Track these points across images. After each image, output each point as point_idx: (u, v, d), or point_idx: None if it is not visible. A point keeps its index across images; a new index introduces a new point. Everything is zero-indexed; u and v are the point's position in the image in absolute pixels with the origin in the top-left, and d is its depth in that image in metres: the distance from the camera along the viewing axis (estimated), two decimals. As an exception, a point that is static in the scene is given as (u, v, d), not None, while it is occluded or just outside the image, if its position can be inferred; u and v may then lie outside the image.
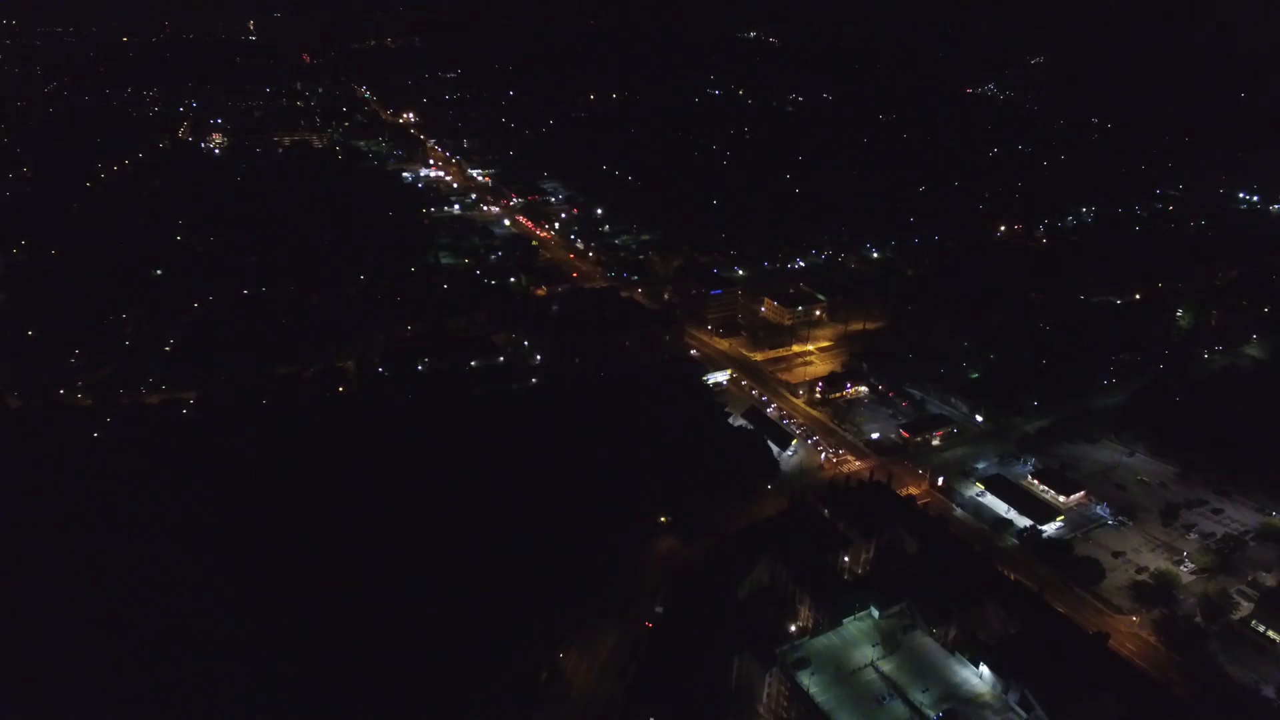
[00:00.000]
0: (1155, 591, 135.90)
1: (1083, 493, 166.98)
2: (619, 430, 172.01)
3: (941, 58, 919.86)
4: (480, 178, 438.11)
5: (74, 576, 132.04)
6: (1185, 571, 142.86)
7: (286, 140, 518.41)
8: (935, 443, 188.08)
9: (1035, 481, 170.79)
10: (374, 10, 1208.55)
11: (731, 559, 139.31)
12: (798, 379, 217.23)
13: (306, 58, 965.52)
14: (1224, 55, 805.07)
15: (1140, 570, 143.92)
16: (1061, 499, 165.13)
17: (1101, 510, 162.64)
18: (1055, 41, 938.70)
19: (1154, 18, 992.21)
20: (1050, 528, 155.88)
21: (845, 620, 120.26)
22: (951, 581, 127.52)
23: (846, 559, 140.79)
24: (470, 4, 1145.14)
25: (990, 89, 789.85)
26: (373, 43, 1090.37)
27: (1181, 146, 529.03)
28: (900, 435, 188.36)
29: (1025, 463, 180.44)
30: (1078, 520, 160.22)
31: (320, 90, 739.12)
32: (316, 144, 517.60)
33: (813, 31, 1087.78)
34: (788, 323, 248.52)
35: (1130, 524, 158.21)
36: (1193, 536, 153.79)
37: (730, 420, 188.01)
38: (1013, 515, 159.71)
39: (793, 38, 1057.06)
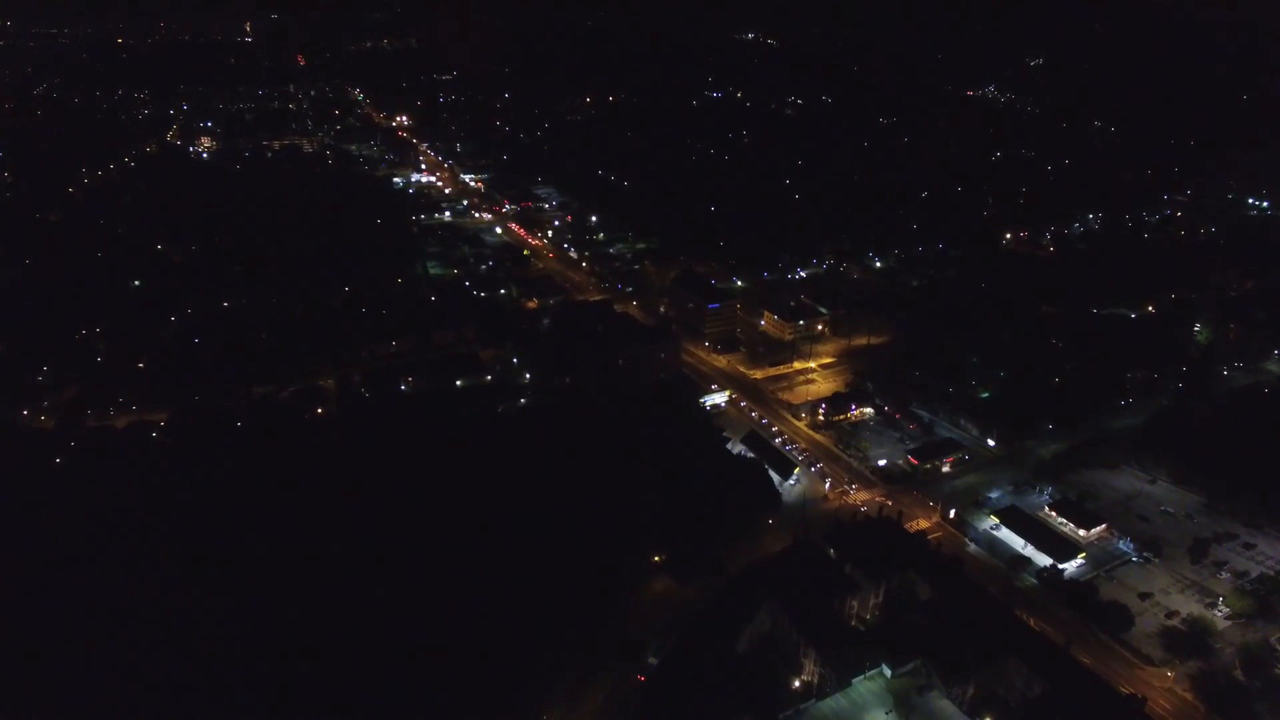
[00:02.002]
0: (1188, 640, 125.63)
1: (1104, 526, 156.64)
2: (611, 459, 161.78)
3: (940, 58, 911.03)
4: (473, 183, 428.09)
5: (27, 614, 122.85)
6: (1220, 617, 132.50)
7: (276, 144, 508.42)
8: (945, 469, 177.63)
9: (1053, 513, 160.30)
10: (372, 11, 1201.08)
11: (731, 605, 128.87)
12: (799, 399, 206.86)
13: (301, 59, 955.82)
14: (1224, 55, 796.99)
15: (1170, 615, 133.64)
16: (1081, 533, 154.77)
17: (1125, 545, 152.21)
18: (1053, 42, 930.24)
19: (1152, 17, 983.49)
20: (1071, 566, 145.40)
21: (854, 680, 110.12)
22: (969, 633, 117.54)
23: (854, 604, 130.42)
24: (467, 5, 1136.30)
25: (990, 91, 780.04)
26: (369, 44, 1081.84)
27: (1187, 150, 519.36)
28: (908, 461, 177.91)
29: (1041, 492, 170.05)
30: (1100, 557, 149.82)
31: (313, 93, 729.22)
32: (307, 148, 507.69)
33: (810, 33, 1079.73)
34: (788, 338, 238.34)
35: (1156, 561, 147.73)
36: (1224, 576, 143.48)
37: (729, 446, 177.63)
38: (1030, 551, 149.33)
39: (791, 39, 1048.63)
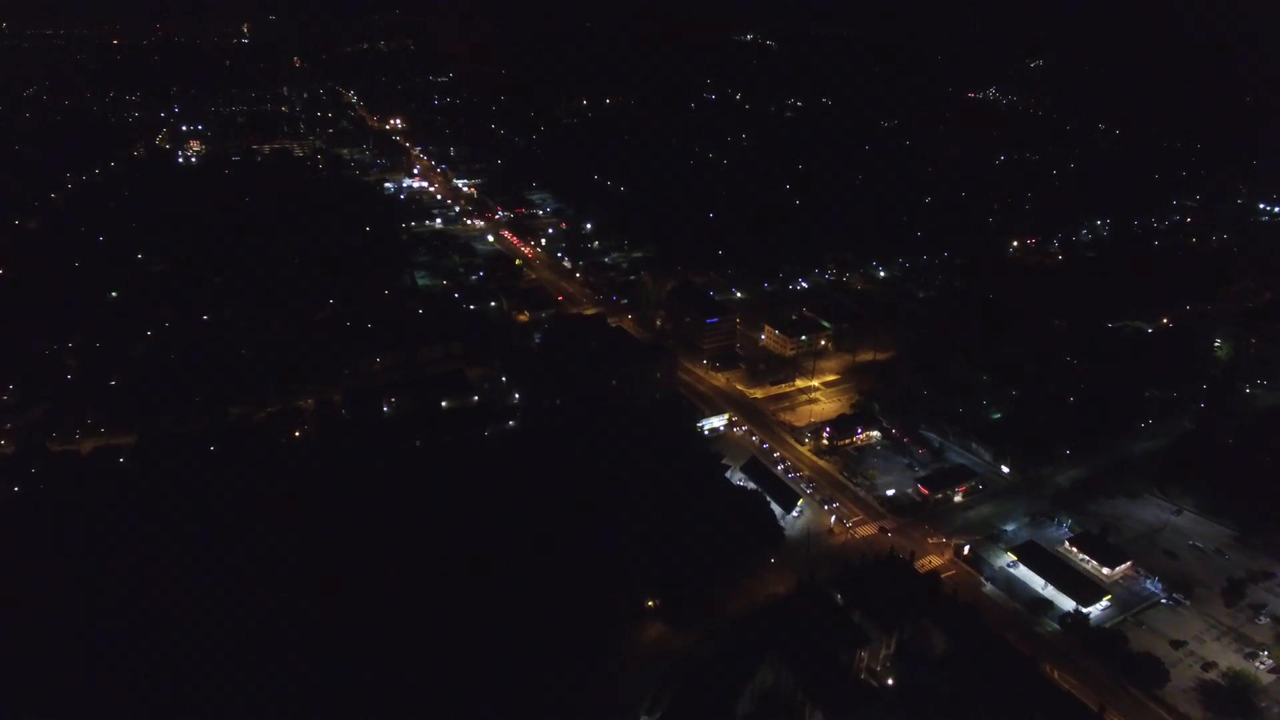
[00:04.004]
0: (1229, 697, 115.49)
1: (1129, 563, 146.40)
2: (602, 490, 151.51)
3: (940, 59, 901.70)
4: (466, 188, 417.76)
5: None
6: (1263, 670, 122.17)
7: (266, 148, 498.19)
8: (957, 499, 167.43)
9: (1073, 549, 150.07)
10: (369, 13, 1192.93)
11: (731, 658, 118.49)
12: (802, 420, 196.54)
13: (298, 61, 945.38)
14: (1227, 54, 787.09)
15: (1207, 666, 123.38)
16: (1105, 571, 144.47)
17: (1153, 586, 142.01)
18: (1053, 44, 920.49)
19: (1152, 17, 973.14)
20: (1096, 609, 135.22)
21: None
22: (991, 694, 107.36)
23: (864, 657, 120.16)
24: (465, 7, 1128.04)
25: (993, 93, 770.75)
26: (365, 45, 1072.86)
27: (1194, 153, 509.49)
28: (918, 491, 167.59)
29: (1060, 524, 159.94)
30: (1126, 598, 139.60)
31: (305, 95, 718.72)
32: (297, 152, 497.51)
33: (810, 34, 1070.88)
34: (789, 354, 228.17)
35: (1188, 604, 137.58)
36: (1263, 620, 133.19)
37: (728, 474, 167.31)
38: (1051, 593, 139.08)
39: (789, 40, 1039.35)
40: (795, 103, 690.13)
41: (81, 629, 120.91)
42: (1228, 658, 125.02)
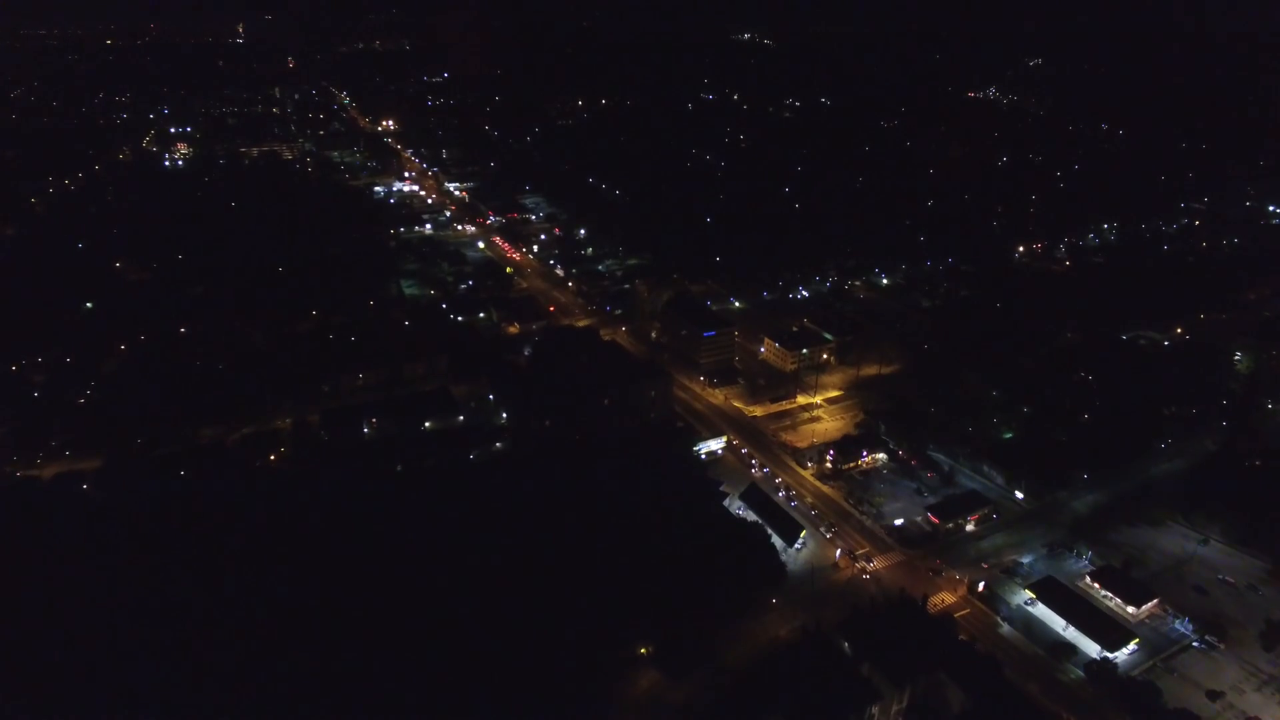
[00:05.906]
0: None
1: (1155, 601, 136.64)
2: (592, 522, 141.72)
3: (938, 59, 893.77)
4: (457, 192, 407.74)
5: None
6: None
7: (254, 151, 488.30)
8: (970, 528, 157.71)
9: (1095, 585, 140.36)
10: (366, 13, 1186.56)
11: (729, 714, 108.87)
12: (804, 440, 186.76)
13: (292, 62, 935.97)
14: (1229, 53, 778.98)
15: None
16: (1130, 610, 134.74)
17: (1183, 626, 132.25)
18: (1052, 43, 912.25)
19: (1149, 15, 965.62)
20: (1124, 654, 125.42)
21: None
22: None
23: (874, 713, 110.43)
24: (462, 6, 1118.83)
25: (992, 93, 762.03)
26: (360, 45, 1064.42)
27: (1199, 153, 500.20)
28: (928, 519, 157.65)
29: (1080, 556, 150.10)
30: (1155, 641, 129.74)
31: (297, 96, 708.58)
32: (286, 155, 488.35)
33: (808, 33, 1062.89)
34: (790, 368, 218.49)
35: (1222, 647, 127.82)
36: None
37: (726, 503, 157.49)
38: (1073, 635, 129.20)
39: (788, 40, 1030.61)
40: (794, 103, 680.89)
41: (38, 664, 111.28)
42: (1271, 711, 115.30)
